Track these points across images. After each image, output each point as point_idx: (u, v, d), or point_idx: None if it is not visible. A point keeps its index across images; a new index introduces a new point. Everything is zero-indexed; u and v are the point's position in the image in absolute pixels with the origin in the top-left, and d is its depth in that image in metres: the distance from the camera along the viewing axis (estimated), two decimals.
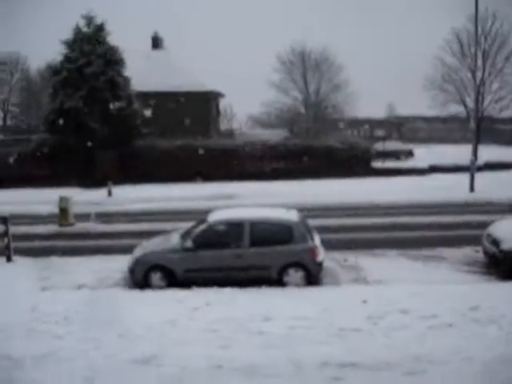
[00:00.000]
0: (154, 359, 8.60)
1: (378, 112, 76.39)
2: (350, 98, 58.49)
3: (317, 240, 13.09)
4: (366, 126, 76.05)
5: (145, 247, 13.73)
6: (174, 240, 13.43)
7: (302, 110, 60.27)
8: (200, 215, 20.98)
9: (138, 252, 13.45)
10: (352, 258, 15.04)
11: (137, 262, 12.97)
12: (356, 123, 75.02)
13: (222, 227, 13.23)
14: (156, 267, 12.79)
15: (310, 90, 59.31)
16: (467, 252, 15.57)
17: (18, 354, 8.97)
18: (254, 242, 12.65)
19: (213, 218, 13.48)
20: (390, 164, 39.66)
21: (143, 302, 11.44)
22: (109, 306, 11.17)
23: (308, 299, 11.12)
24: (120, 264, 14.48)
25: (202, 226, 13.17)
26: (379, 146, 43.97)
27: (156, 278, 12.76)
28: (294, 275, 12.57)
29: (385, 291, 11.61)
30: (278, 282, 12.52)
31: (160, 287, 12.60)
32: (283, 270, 12.57)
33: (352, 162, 35.26)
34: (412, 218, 20.88)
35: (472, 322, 9.87)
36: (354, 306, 10.59)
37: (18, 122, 60.30)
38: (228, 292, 11.83)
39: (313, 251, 12.54)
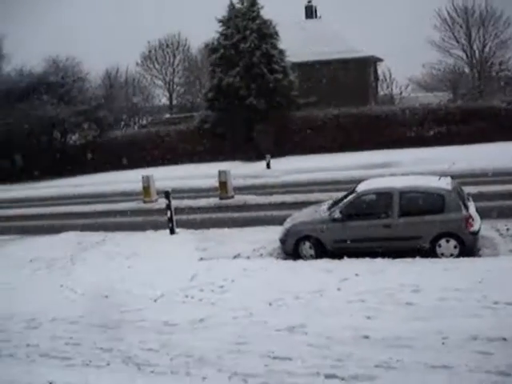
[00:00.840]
0: (301, 328, 8.79)
1: None
2: None
3: (472, 209, 12.47)
4: None
5: (295, 218, 13.94)
6: (323, 211, 13.51)
7: (466, 70, 57.05)
8: (354, 185, 21.03)
9: (288, 223, 13.71)
10: None
11: (287, 233, 13.26)
12: None
13: (370, 197, 13.05)
14: (306, 238, 12.98)
15: (474, 47, 55.90)
16: None
17: (175, 319, 9.63)
18: (404, 212, 12.34)
19: (361, 187, 13.32)
20: None
21: (294, 271, 11.68)
22: (261, 275, 11.56)
23: (461, 270, 10.65)
24: (274, 235, 14.86)
25: (351, 197, 13.08)
26: None
27: (306, 248, 12.96)
28: (447, 246, 12.08)
29: None
30: (430, 252, 12.12)
31: (310, 257, 12.82)
32: (435, 240, 12.13)
33: None
34: None
35: None
36: (510, 279, 9.98)
37: (182, 101, 63.33)
38: (378, 262, 11.69)
39: (467, 220, 11.95)
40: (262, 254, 13.62)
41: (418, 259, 11.72)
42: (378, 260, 11.87)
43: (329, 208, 13.42)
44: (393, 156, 29.55)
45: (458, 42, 55.66)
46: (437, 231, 12.13)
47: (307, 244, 12.95)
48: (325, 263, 12.06)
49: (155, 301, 10.93)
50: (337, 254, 12.50)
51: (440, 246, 12.13)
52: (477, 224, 12.20)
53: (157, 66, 63.17)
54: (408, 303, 9.36)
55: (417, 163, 26.10)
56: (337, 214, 12.75)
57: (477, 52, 55.65)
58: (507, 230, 13.87)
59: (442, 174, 14.24)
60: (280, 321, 9.11)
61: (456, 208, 12.12)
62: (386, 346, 7.93)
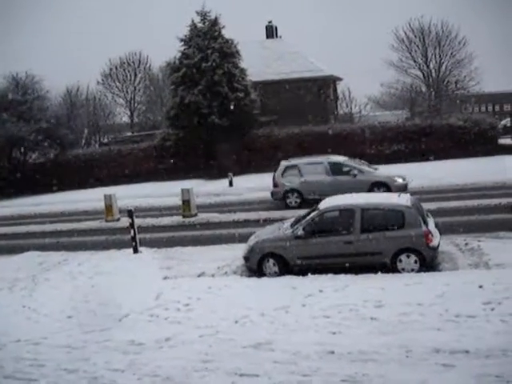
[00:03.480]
0: (267, 344, 8.88)
1: (508, 84, 72.40)
2: (475, 73, 55.80)
3: (431, 224, 12.79)
4: (493, 101, 72.45)
5: (259, 235, 14.08)
6: (287, 228, 13.66)
7: (423, 89, 58.34)
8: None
9: (252, 240, 13.83)
10: (475, 241, 14.46)
11: (251, 250, 13.37)
12: (482, 98, 71.66)
13: (332, 214, 13.26)
14: (269, 255, 13.11)
15: (431, 66, 57.21)
16: None
17: (141, 338, 9.61)
18: (365, 229, 12.57)
19: (323, 205, 13.54)
20: None
21: (259, 288, 11.78)
22: (226, 293, 11.61)
23: (423, 285, 10.89)
24: (238, 252, 14.95)
25: (313, 214, 13.29)
26: (508, 122, 41.65)
27: (269, 265, 13.09)
28: (408, 261, 12.36)
29: (504, 276, 11.10)
30: (391, 268, 12.37)
31: (274, 274, 12.93)
32: (396, 255, 12.39)
33: (476, 140, 33.66)
34: None
35: None
36: (470, 292, 10.24)
37: (144, 119, 63.16)
38: (341, 279, 11.87)
39: (426, 236, 12.24)
40: (226, 272, 13.65)
41: (380, 275, 11.93)
42: (342, 276, 12.05)
43: (292, 225, 13.58)
44: None
45: (415, 61, 56.93)
46: (397, 247, 12.39)
47: (271, 261, 13.08)
48: (289, 280, 12.18)
49: (120, 320, 10.88)
50: (300, 270, 12.65)
51: (401, 261, 12.38)
52: (436, 239, 12.52)
53: (118, 84, 62.91)
54: (372, 318, 9.54)
55: None
56: (300, 231, 12.92)
57: (433, 71, 56.98)
58: (466, 244, 14.19)
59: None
60: (246, 338, 9.19)
61: (416, 224, 12.39)
62: (352, 361, 8.08)
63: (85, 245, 18.47)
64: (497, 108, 78.23)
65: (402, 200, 13.08)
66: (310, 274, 12.39)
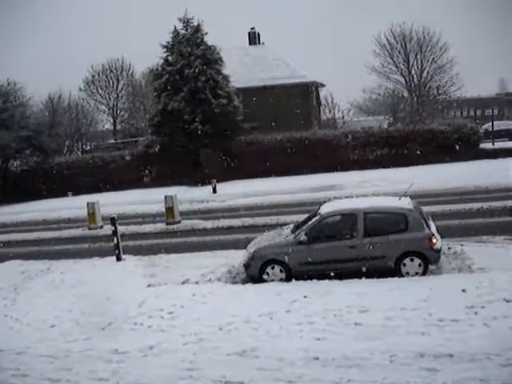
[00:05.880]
0: (252, 351, 8.85)
1: (490, 89, 73.00)
2: (456, 78, 56.25)
3: (433, 227, 12.78)
4: (475, 106, 73.12)
5: (258, 242, 13.87)
6: (287, 234, 13.55)
7: (405, 94, 58.71)
8: (302, 207, 21.32)
9: (252, 247, 13.60)
10: (457, 245, 14.55)
11: (252, 257, 13.13)
12: (464, 103, 72.29)
13: (334, 219, 13.15)
14: (271, 261, 12.92)
15: (413, 72, 57.61)
16: None
17: (124, 346, 9.53)
18: (369, 232, 12.50)
19: (325, 209, 13.38)
20: (500, 145, 37.84)
21: (243, 295, 11.70)
22: (211, 300, 11.54)
23: (406, 290, 10.89)
24: (222, 259, 14.94)
25: (315, 219, 13.10)
26: (490, 127, 41.96)
27: (271, 272, 12.90)
28: (412, 264, 12.33)
29: (487, 279, 11.15)
30: (395, 272, 12.33)
31: (276, 281, 12.74)
32: (400, 259, 12.36)
33: (458, 144, 34.00)
34: None
35: None
36: (454, 296, 10.29)
37: (127, 126, 62.90)
38: (326, 284, 11.86)
39: (430, 238, 12.24)
40: (210, 279, 13.56)
41: (364, 280, 11.93)
42: (326, 282, 12.05)
43: (293, 231, 13.45)
44: (336, 179, 30.18)
45: (396, 67, 57.31)
46: (401, 250, 12.35)
47: (273, 268, 12.90)
48: (274, 286, 12.15)
49: (103, 329, 10.79)
50: (303, 276, 12.51)
51: (405, 264, 12.36)
52: (439, 242, 12.52)
53: (100, 90, 62.56)
54: (356, 324, 9.55)
55: (359, 186, 26.74)
56: (302, 237, 12.77)
57: (415, 77, 57.37)
58: (449, 248, 14.27)
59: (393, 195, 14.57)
60: (231, 345, 9.15)
61: (419, 227, 12.40)
62: (336, 367, 8.08)
63: (68, 253, 18.31)
64: (478, 113, 78.99)
65: (404, 203, 13.00)
66: (293, 280, 12.37)
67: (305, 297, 11.05)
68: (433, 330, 9.05)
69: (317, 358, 8.40)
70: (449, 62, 55.33)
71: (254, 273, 13.07)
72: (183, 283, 13.42)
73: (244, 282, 13.18)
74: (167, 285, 13.22)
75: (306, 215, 14.29)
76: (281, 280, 12.73)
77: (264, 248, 13.27)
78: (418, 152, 33.80)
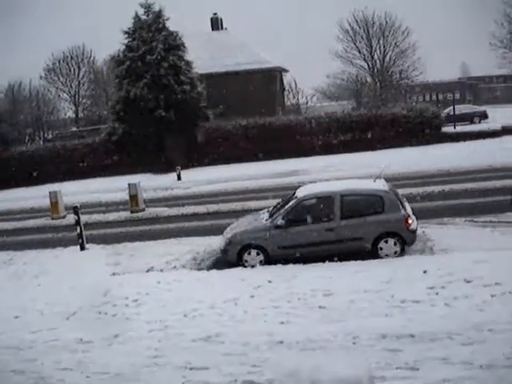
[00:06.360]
0: (217, 337, 8.88)
1: (452, 74, 73.77)
2: (418, 63, 56.83)
3: (408, 208, 12.96)
4: (437, 91, 74.06)
5: (235, 227, 13.85)
6: (264, 218, 13.57)
7: (368, 79, 59.13)
8: (266, 193, 21.41)
9: (229, 233, 13.58)
10: (419, 227, 14.75)
11: (229, 243, 13.12)
12: (427, 88, 73.15)
13: (312, 202, 13.18)
14: (248, 246, 12.93)
15: (375, 57, 58.03)
16: None
17: (89, 336, 9.47)
18: (346, 215, 12.61)
19: (301, 193, 13.42)
20: (462, 128, 38.46)
21: (208, 281, 11.73)
22: (175, 287, 11.53)
23: (370, 272, 11.04)
24: (187, 246, 14.93)
25: (292, 203, 13.11)
26: (452, 110, 42.56)
27: (249, 257, 12.91)
28: (389, 245, 12.52)
29: (448, 260, 11.40)
30: (373, 253, 12.50)
31: (254, 265, 12.76)
32: (377, 240, 12.53)
33: (421, 128, 34.44)
34: (481, 183, 20.16)
35: None
36: (416, 277, 10.46)
37: (89, 114, 62.12)
38: (291, 268, 11.97)
39: (406, 219, 12.43)
40: (175, 266, 13.55)
41: (329, 263, 12.05)
42: (291, 266, 12.16)
43: (270, 215, 13.49)
44: (301, 164, 30.34)
45: (359, 52, 57.71)
46: (378, 231, 12.52)
47: (251, 253, 12.91)
48: (239, 272, 12.20)
49: (68, 319, 10.69)
50: (281, 260, 12.57)
51: (382, 245, 12.56)
52: (415, 223, 12.71)
53: (61, 78, 61.60)
54: (320, 307, 9.64)
55: (323, 170, 26.91)
56: (279, 221, 12.80)
57: (378, 62, 57.86)
58: None
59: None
60: (196, 331, 9.16)
61: (395, 208, 12.59)
62: (300, 350, 8.15)
63: (31, 243, 18.08)
64: (441, 97, 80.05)
65: (379, 185, 13.20)
66: (262, 266, 12.54)
67: (269, 281, 11.12)
68: (395, 311, 9.20)
69: (281, 342, 8.46)
70: (411, 47, 56.02)
71: (232, 258, 13.08)
72: (148, 271, 13.39)
73: (209, 268, 13.24)
74: (132, 273, 13.18)
75: (271, 200, 14.36)
76: (260, 264, 12.77)
77: (241, 233, 13.27)
78: (381, 136, 34.12)
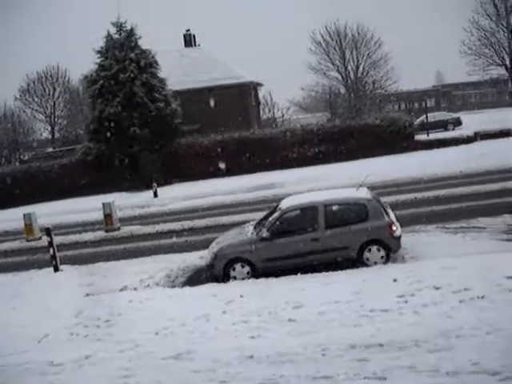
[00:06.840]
0: (187, 354, 8.87)
1: (428, 82, 74.43)
2: (391, 73, 57.49)
3: (392, 215, 13.09)
4: (411, 100, 74.85)
5: (221, 242, 13.83)
6: (249, 231, 13.61)
7: (342, 91, 59.64)
8: (243, 207, 21.48)
9: (214, 247, 13.58)
10: None
11: (215, 257, 13.12)
12: (401, 97, 73.92)
13: (296, 213, 13.30)
14: (235, 260, 12.95)
15: (349, 68, 58.60)
16: (507, 220, 15.22)
17: (60, 358, 9.42)
18: (330, 224, 12.70)
19: (285, 204, 13.50)
20: (435, 135, 38.88)
21: (180, 299, 11.72)
22: (148, 305, 11.50)
23: (341, 283, 11.12)
24: (162, 264, 14.90)
25: (276, 214, 13.20)
26: (424, 119, 43.03)
27: (236, 270, 12.93)
28: (374, 252, 12.65)
29: (418, 268, 11.51)
30: (358, 261, 12.61)
31: (241, 279, 12.78)
32: (362, 248, 12.64)
33: (394, 137, 34.74)
34: (453, 189, 20.40)
35: (507, 291, 9.69)
36: (385, 286, 10.55)
37: (65, 134, 61.86)
38: (263, 283, 12.03)
39: (390, 226, 12.56)
40: (148, 285, 13.51)
41: (300, 276, 12.12)
42: (263, 280, 12.22)
43: (255, 228, 13.53)
44: (276, 177, 30.47)
45: (333, 64, 58.31)
46: (363, 239, 12.65)
47: (237, 266, 12.93)
48: (211, 288, 12.23)
49: (39, 342, 10.62)
50: (267, 272, 12.61)
51: (367, 253, 12.68)
52: (399, 229, 12.85)
53: (36, 99, 61.37)
54: (290, 320, 9.68)
55: (299, 182, 27.01)
56: (264, 233, 12.84)
57: (351, 72, 58.51)
58: None
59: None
60: (166, 349, 9.14)
61: (378, 216, 12.71)
62: (270, 363, 8.17)
63: (6, 266, 17.93)
64: (416, 105, 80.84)
65: (362, 193, 13.32)
66: (233, 281, 12.56)
67: (241, 296, 11.14)
68: (364, 321, 9.27)
69: (251, 357, 8.48)
70: (384, 57, 56.73)
71: (218, 272, 13.06)
72: (121, 290, 13.33)
73: (183, 285, 13.25)
74: (105, 293, 13.12)
75: (248, 215, 14.43)
76: (247, 277, 12.79)
77: (227, 247, 13.28)
78: (356, 147, 34.37)
